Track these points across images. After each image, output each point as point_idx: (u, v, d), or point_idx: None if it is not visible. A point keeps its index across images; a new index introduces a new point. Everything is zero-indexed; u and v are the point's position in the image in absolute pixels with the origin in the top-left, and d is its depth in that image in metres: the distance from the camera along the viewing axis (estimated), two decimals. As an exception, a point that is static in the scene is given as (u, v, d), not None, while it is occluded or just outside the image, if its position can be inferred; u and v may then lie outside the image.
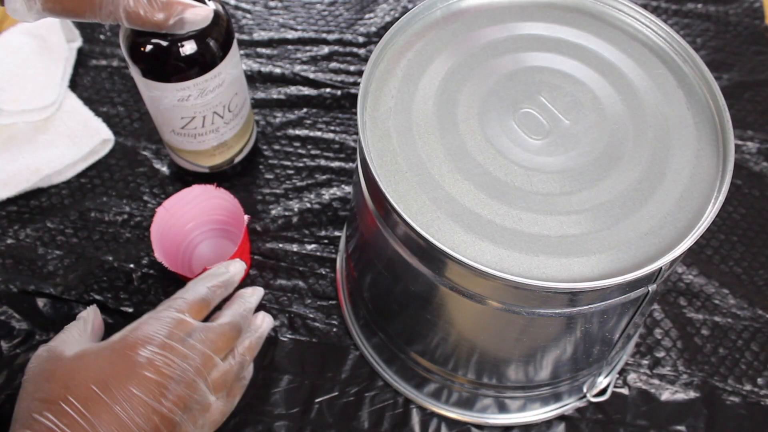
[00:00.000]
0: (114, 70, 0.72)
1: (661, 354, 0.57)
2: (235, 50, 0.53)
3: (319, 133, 0.69)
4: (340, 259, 0.60)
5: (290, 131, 0.69)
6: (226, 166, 0.62)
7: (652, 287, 0.40)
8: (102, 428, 0.35)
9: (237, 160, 0.62)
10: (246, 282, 0.60)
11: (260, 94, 0.71)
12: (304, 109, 0.70)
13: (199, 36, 0.50)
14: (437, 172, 0.40)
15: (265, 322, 0.47)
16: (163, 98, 0.52)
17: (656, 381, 0.56)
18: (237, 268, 0.47)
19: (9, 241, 0.61)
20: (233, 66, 0.53)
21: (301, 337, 0.57)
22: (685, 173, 0.41)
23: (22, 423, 0.36)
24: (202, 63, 0.51)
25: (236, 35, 0.75)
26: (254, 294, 0.48)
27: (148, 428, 0.36)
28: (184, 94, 0.52)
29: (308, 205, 0.64)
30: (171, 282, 0.59)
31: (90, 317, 0.44)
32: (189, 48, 0.49)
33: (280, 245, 0.62)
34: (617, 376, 0.56)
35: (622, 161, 0.41)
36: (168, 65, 0.50)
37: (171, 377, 0.38)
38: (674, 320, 0.59)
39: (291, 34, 0.75)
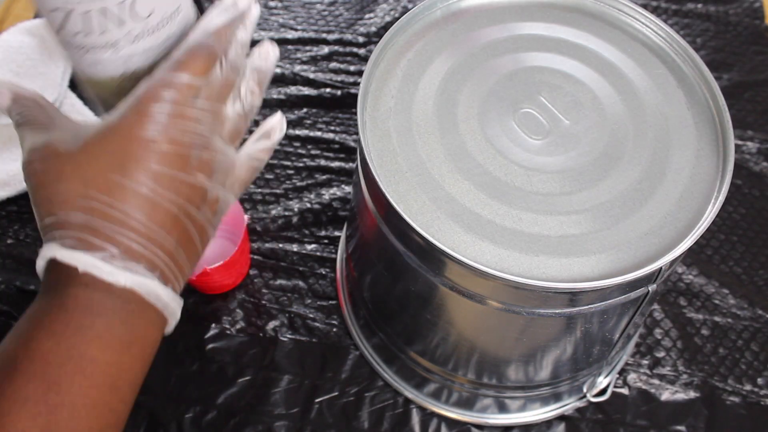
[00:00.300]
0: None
1: (661, 354, 0.57)
2: None
3: (319, 133, 0.69)
4: (340, 259, 0.60)
5: (290, 131, 0.69)
6: None
7: (652, 287, 0.40)
8: (134, 213, 0.32)
9: None
10: (246, 282, 0.60)
11: (260, 94, 0.71)
12: (304, 109, 0.70)
13: None
14: (437, 172, 0.40)
15: (270, 54, 0.40)
16: None
17: (656, 381, 0.56)
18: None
19: (9, 241, 0.61)
20: None
21: (301, 337, 0.57)
22: (685, 173, 0.41)
23: (47, 233, 0.33)
24: None
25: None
26: (252, 12, 0.40)
27: (181, 201, 0.34)
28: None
29: (308, 205, 0.64)
30: (171, 282, 0.59)
31: (39, 98, 0.37)
32: None
33: (280, 245, 0.62)
34: (617, 376, 0.56)
35: (622, 161, 0.41)
36: None
37: (189, 145, 0.34)
38: (674, 320, 0.59)
39: (291, 34, 0.75)
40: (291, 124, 0.69)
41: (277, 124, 0.40)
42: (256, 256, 0.61)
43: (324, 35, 0.75)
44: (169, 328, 0.37)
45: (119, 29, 0.35)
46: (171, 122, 0.34)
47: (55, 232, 0.32)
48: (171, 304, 0.35)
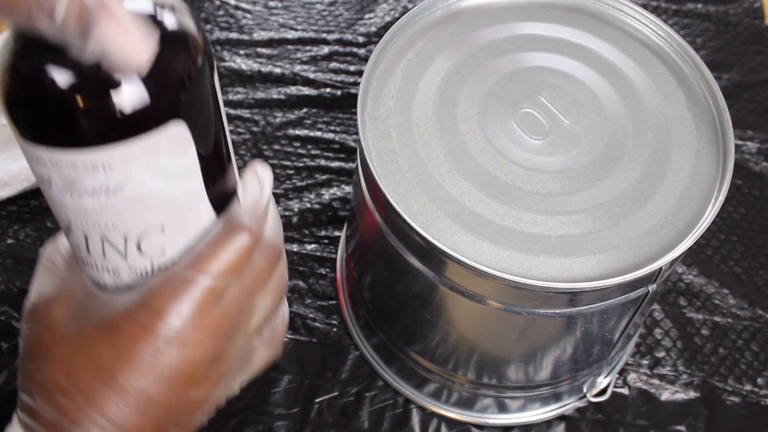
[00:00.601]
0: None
1: (661, 354, 0.57)
2: (190, 150, 0.27)
3: (319, 133, 0.69)
4: (340, 259, 0.60)
5: (290, 131, 0.69)
6: None
7: (652, 287, 0.40)
8: (111, 426, 0.28)
9: None
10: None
11: (260, 94, 0.71)
12: (304, 109, 0.70)
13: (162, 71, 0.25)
14: (437, 172, 0.40)
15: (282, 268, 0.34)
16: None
17: (656, 381, 0.56)
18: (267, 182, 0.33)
19: (9, 241, 0.61)
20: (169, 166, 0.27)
21: (301, 337, 0.57)
22: (685, 173, 0.41)
23: (21, 406, 0.30)
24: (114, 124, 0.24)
25: (236, 35, 0.75)
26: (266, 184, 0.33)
27: (171, 415, 0.29)
28: (44, 173, 0.26)
29: (308, 205, 0.64)
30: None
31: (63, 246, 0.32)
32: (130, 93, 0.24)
33: (280, 245, 0.62)
34: (617, 376, 0.56)
35: (622, 161, 0.41)
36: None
37: (201, 359, 0.29)
38: (674, 320, 0.59)
39: (291, 34, 0.75)
40: (291, 124, 0.69)
41: (285, 309, 0.36)
42: (256, 256, 0.61)
43: (324, 35, 0.75)
44: None
45: (122, 260, 0.30)
46: (183, 332, 0.29)
47: (26, 415, 0.30)
48: None
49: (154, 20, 0.25)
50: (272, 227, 0.32)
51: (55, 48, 0.23)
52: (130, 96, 0.24)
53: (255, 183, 0.32)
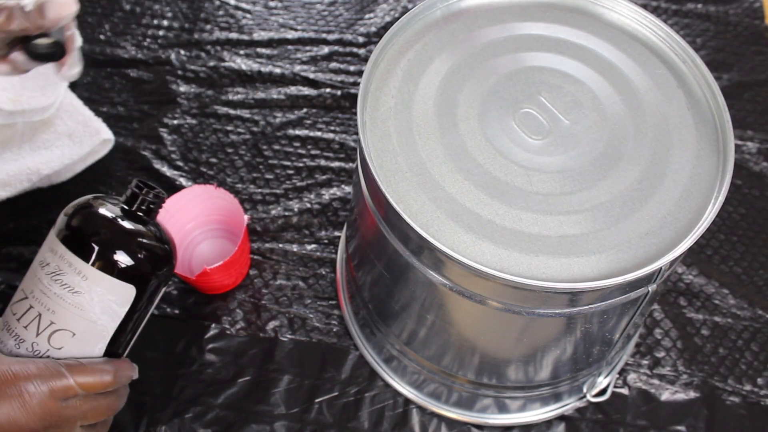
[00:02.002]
0: (114, 70, 0.72)
1: (661, 354, 0.57)
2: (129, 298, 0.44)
3: (319, 133, 0.69)
4: (340, 260, 0.60)
5: (290, 131, 0.69)
6: None
7: (652, 287, 0.40)
8: None
9: None
10: (246, 282, 0.60)
11: (260, 94, 0.71)
12: (304, 109, 0.70)
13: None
14: (437, 172, 0.40)
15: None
16: None
17: (656, 381, 0.56)
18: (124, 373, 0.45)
19: (9, 241, 0.61)
20: (100, 303, 0.43)
21: (301, 337, 0.57)
22: (685, 173, 0.41)
23: None
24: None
25: (236, 35, 0.75)
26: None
27: None
28: (49, 258, 0.43)
29: (308, 205, 0.64)
30: (172, 282, 0.59)
31: None
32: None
33: (280, 245, 0.62)
34: (617, 376, 0.56)
35: (622, 161, 0.41)
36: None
37: (25, 427, 0.39)
38: (674, 320, 0.59)
39: (291, 34, 0.75)
40: (291, 124, 0.69)
41: None
42: (256, 256, 0.61)
43: (324, 35, 0.75)
44: None
45: (33, 337, 0.42)
46: (29, 398, 0.39)
47: None
48: None
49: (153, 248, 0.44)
50: (119, 397, 0.44)
51: (111, 211, 0.44)
52: (123, 259, 0.42)
53: (131, 367, 0.45)
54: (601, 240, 0.39)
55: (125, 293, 0.43)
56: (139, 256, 0.43)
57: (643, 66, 0.45)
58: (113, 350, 0.44)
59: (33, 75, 0.67)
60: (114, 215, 0.44)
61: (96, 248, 0.42)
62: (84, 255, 0.42)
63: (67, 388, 0.40)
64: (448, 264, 0.39)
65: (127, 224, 0.44)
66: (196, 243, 0.61)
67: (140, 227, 0.44)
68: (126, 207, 0.44)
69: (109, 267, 0.42)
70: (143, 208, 0.45)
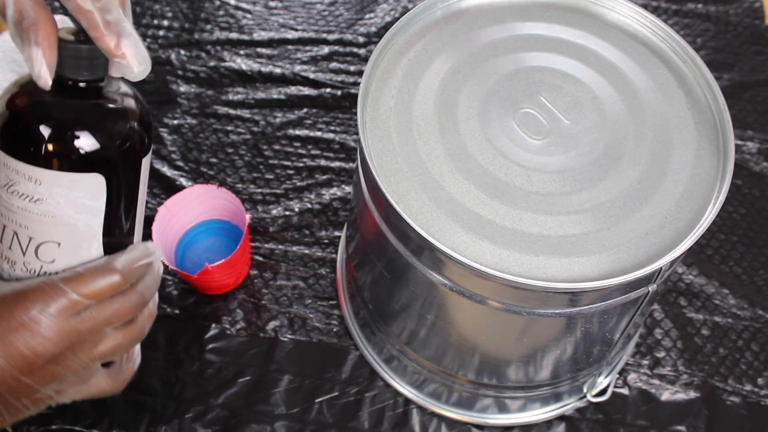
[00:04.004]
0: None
1: (661, 354, 0.57)
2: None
3: (319, 133, 0.69)
4: (340, 260, 0.60)
5: (290, 131, 0.69)
6: None
7: (652, 287, 0.40)
8: None
9: None
10: (246, 282, 0.60)
11: (260, 94, 0.71)
12: (305, 109, 0.70)
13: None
14: (437, 172, 0.40)
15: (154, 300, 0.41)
16: None
17: (656, 381, 0.56)
18: (157, 253, 0.41)
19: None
20: (86, 198, 0.36)
21: (301, 337, 0.57)
22: (685, 173, 0.41)
23: None
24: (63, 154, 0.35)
25: (236, 35, 0.75)
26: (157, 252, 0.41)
27: (1, 390, 0.35)
28: None
29: (308, 205, 0.64)
30: (172, 282, 0.59)
31: None
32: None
33: (281, 245, 0.62)
34: (617, 376, 0.56)
35: (622, 161, 0.41)
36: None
37: (43, 356, 0.35)
38: (674, 320, 0.59)
39: (291, 34, 0.75)
40: (291, 124, 0.69)
41: (136, 355, 0.43)
42: (256, 256, 0.61)
43: (324, 35, 0.75)
44: None
45: (21, 256, 0.38)
46: (36, 324, 0.35)
47: None
48: None
49: (102, 105, 0.36)
50: (149, 286, 0.39)
51: (38, 96, 0.35)
52: (68, 149, 0.34)
53: (143, 247, 0.39)
54: (601, 240, 0.39)
55: (92, 185, 0.36)
56: (85, 139, 0.34)
57: (643, 66, 0.45)
58: (115, 243, 0.38)
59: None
60: (41, 99, 0.35)
61: (33, 148, 0.34)
62: (26, 158, 0.35)
63: (72, 304, 0.36)
64: (448, 264, 0.39)
65: (59, 104, 0.35)
66: (197, 242, 0.61)
67: (77, 101, 0.35)
68: (55, 83, 0.34)
69: (57, 163, 0.35)
70: (77, 72, 0.35)
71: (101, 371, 0.40)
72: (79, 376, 0.38)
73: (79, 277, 0.36)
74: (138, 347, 0.43)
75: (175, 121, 0.68)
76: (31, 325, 0.35)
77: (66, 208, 0.36)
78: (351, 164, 0.67)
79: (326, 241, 0.62)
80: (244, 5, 0.78)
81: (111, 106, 0.36)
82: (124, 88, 0.37)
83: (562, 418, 0.54)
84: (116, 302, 0.37)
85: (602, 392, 0.54)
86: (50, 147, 0.34)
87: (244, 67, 0.72)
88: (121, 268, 0.37)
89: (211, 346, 0.56)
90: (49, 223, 0.36)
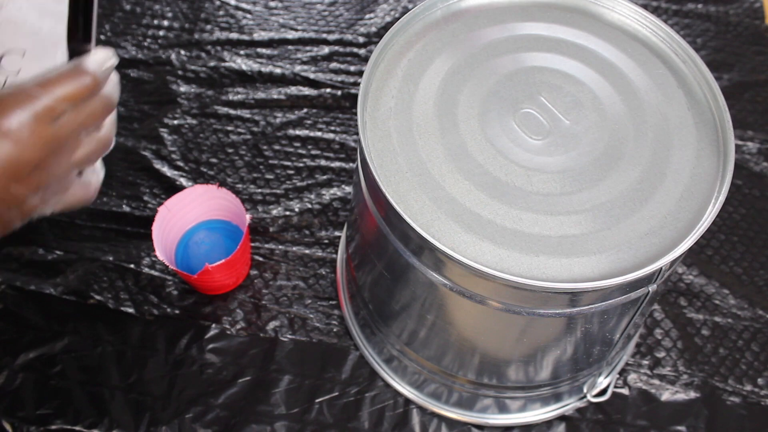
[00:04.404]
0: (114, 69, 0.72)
1: (661, 354, 0.57)
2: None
3: (319, 134, 0.69)
4: (340, 260, 0.60)
5: (290, 131, 0.69)
6: None
7: (652, 287, 0.40)
8: None
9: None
10: (246, 282, 0.60)
11: (260, 94, 0.71)
12: (305, 110, 0.70)
13: None
14: (437, 172, 0.40)
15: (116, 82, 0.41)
16: None
17: (656, 381, 0.56)
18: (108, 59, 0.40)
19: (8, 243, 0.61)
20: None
21: (301, 337, 0.57)
22: (685, 173, 0.41)
23: None
24: None
25: (236, 35, 0.75)
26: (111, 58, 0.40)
27: None
28: None
29: (308, 205, 0.64)
30: (172, 282, 0.59)
31: None
32: None
33: (281, 245, 0.62)
34: (617, 376, 0.56)
35: (622, 161, 0.41)
36: None
37: (27, 162, 0.36)
38: (674, 320, 0.59)
39: (291, 35, 0.75)
40: (291, 124, 0.69)
41: (100, 167, 0.43)
42: (256, 257, 0.61)
43: (324, 35, 0.75)
44: None
45: None
46: (18, 132, 0.35)
47: None
48: None
49: None
50: (112, 88, 0.39)
51: None
52: None
53: (105, 50, 0.39)
54: (601, 240, 0.39)
55: None
56: None
57: (643, 66, 0.45)
58: (77, 49, 0.39)
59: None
60: None
61: None
62: None
63: (49, 109, 0.36)
64: (448, 264, 0.39)
65: None
66: (197, 242, 0.61)
67: None
68: None
69: None
70: None
71: (76, 180, 0.40)
72: (60, 183, 0.39)
73: (52, 82, 0.36)
74: (101, 161, 0.43)
75: (175, 121, 0.68)
76: (14, 134, 0.35)
77: (29, 13, 0.36)
78: (351, 164, 0.67)
79: (326, 241, 0.62)
80: (244, 5, 0.78)
81: None
82: None
83: (562, 418, 0.54)
84: (89, 106, 0.38)
85: (602, 392, 0.54)
86: None
87: (244, 67, 0.72)
88: (93, 70, 0.37)
89: (211, 346, 0.56)
90: (11, 30, 0.36)
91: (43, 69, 0.37)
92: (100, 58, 0.38)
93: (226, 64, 0.72)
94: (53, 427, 0.52)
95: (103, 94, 0.39)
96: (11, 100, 0.35)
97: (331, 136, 0.68)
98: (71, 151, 0.38)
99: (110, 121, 0.41)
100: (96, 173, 0.43)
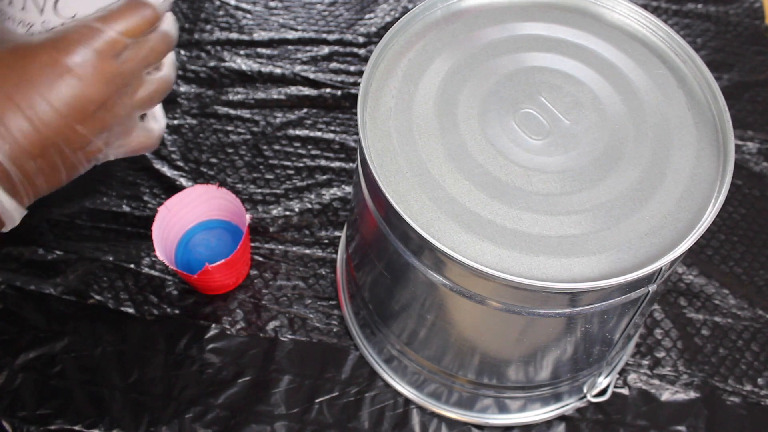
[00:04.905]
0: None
1: (661, 354, 0.57)
2: None
3: (319, 134, 0.69)
4: (340, 260, 0.60)
5: (290, 131, 0.69)
6: None
7: (652, 287, 0.40)
8: (10, 128, 0.34)
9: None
10: (246, 282, 0.60)
11: (260, 94, 0.71)
12: (305, 110, 0.70)
13: None
14: (437, 172, 0.40)
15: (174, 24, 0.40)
16: None
17: (656, 381, 0.56)
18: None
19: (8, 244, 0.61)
20: None
21: (301, 337, 0.57)
22: (685, 173, 0.41)
23: None
24: None
25: (236, 35, 0.75)
26: None
27: (59, 140, 0.35)
28: None
29: (308, 205, 0.64)
30: (172, 282, 0.59)
31: None
32: None
33: (281, 245, 0.62)
34: (617, 376, 0.56)
35: (622, 161, 0.41)
36: None
37: (91, 100, 0.35)
38: (674, 320, 0.59)
39: (291, 34, 0.75)
40: (291, 124, 0.69)
41: (162, 115, 0.42)
42: (256, 257, 0.61)
43: (324, 35, 0.75)
44: (5, 229, 0.38)
45: (38, 16, 0.36)
46: (82, 69, 0.34)
47: None
48: (11, 211, 0.36)
49: None
50: (170, 24, 0.38)
51: None
52: None
53: None
54: (601, 240, 0.39)
55: None
56: None
57: (643, 66, 0.45)
58: None
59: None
60: None
61: None
62: None
63: (113, 43, 0.35)
64: (448, 264, 0.39)
65: None
66: (197, 242, 0.61)
67: None
68: None
69: None
70: None
71: (140, 124, 0.40)
72: (124, 125, 0.38)
73: (113, 15, 0.35)
74: (162, 109, 0.42)
75: (175, 121, 0.68)
76: (78, 71, 0.34)
77: None
78: (351, 164, 0.67)
79: (326, 241, 0.62)
80: (244, 5, 0.78)
81: None
82: None
83: (562, 418, 0.54)
84: (149, 41, 0.37)
85: (602, 392, 0.54)
86: None
87: (244, 67, 0.72)
88: (152, 1, 0.36)
89: (211, 346, 0.56)
90: None
91: (99, 6, 0.36)
92: None
93: (226, 64, 0.72)
94: (53, 427, 0.52)
95: (163, 30, 0.38)
96: (74, 36, 0.35)
97: (331, 136, 0.69)
98: (134, 90, 0.37)
99: (170, 61, 0.40)
100: (158, 121, 0.42)
